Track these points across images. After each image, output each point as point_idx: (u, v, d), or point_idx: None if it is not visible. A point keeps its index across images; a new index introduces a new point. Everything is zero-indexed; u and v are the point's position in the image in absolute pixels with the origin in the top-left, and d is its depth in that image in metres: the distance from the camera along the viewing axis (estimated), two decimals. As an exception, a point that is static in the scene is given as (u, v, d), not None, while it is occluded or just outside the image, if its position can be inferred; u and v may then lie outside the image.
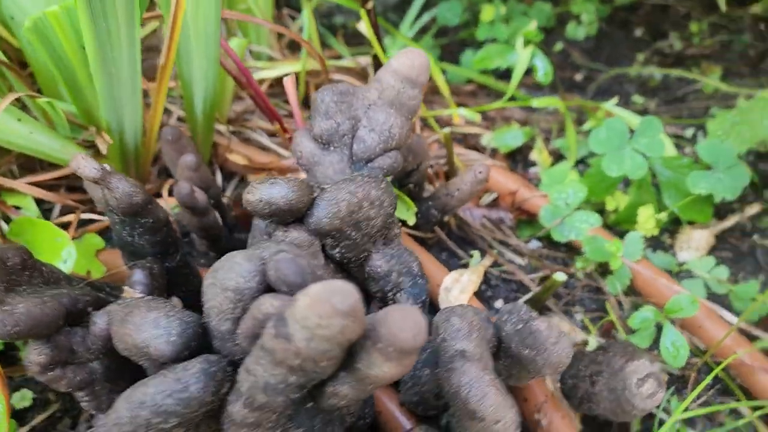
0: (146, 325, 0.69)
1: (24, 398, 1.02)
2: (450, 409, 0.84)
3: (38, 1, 1.04)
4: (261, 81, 1.54)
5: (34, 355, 0.79)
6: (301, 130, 1.05)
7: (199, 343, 0.72)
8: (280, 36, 1.76)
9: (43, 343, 0.79)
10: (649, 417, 1.08)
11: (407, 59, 1.01)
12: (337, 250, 0.87)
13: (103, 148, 1.10)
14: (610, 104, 1.57)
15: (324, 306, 0.55)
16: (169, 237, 0.94)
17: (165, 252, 0.96)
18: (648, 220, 1.36)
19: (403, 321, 0.59)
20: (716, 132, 1.44)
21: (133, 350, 0.70)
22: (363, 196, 0.83)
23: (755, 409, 1.08)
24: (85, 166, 0.82)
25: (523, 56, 1.59)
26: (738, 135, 1.43)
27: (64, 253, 0.98)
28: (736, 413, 1.10)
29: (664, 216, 1.38)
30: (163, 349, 0.69)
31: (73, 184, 1.34)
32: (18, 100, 1.09)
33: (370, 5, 1.48)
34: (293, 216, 0.81)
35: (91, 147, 1.26)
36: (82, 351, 0.82)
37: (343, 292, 0.55)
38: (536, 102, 1.54)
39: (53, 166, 1.23)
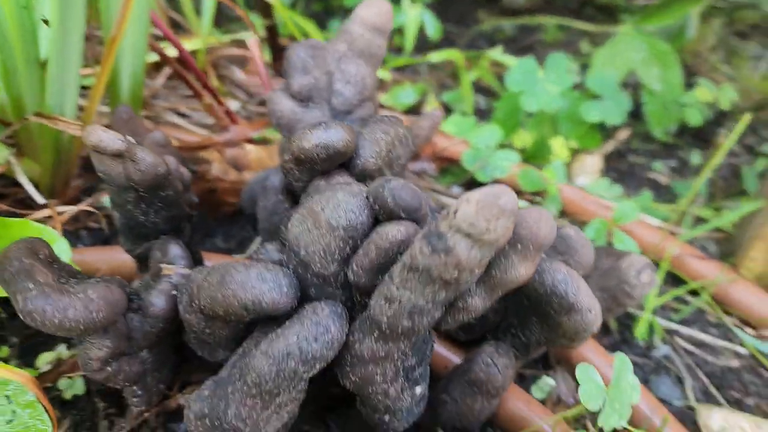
0: (252, 281, 0.67)
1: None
2: (507, 323, 0.89)
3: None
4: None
5: (94, 351, 0.72)
6: (276, 90, 1.03)
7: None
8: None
9: (101, 336, 0.73)
10: (624, 315, 1.21)
11: (374, 8, 1.03)
12: (374, 192, 0.89)
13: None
14: (497, 53, 1.70)
15: (492, 209, 0.57)
16: (182, 211, 0.89)
17: (177, 228, 0.90)
18: (562, 149, 1.51)
19: (539, 219, 0.64)
20: (598, 65, 1.62)
21: (237, 311, 0.67)
22: (395, 134, 0.85)
23: (695, 292, 1.26)
24: (107, 138, 0.75)
25: (412, 14, 1.66)
26: (613, 66, 1.62)
27: (56, 248, 0.88)
28: (684, 301, 1.26)
29: (573, 144, 1.53)
30: (279, 301, 0.67)
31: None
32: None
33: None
34: (343, 160, 0.80)
35: (14, 145, 1.13)
36: (138, 338, 0.76)
37: (506, 192, 0.58)
38: (435, 56, 1.63)
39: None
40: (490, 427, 0.99)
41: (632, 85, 1.84)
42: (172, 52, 1.37)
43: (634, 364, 1.12)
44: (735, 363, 1.15)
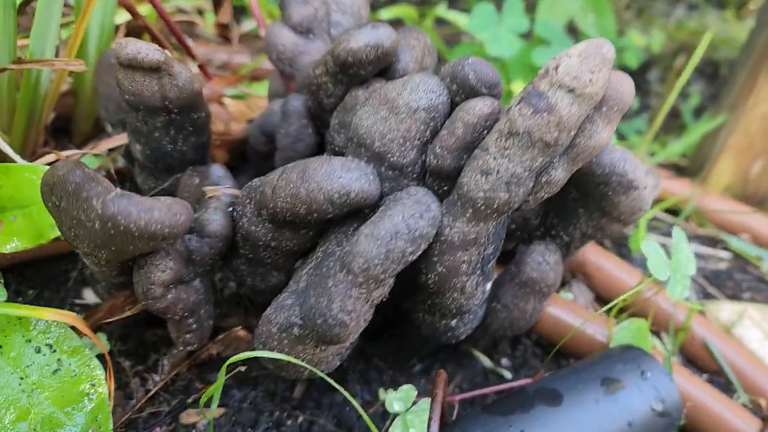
0: (338, 171, 0.64)
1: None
2: (549, 224, 0.91)
3: None
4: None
5: (157, 275, 0.67)
6: (274, 24, 1.00)
7: (374, 188, 0.68)
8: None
9: (163, 257, 0.67)
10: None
11: (364, -63, 1.03)
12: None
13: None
14: (442, 8, 1.72)
15: (596, 59, 0.58)
16: (209, 139, 0.84)
17: (203, 159, 0.85)
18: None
19: (623, 80, 0.65)
20: (542, 13, 1.68)
21: (322, 206, 0.64)
22: (424, 42, 0.84)
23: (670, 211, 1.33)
24: (146, 49, 0.70)
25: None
26: (554, 14, 1.69)
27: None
28: (659, 219, 1.33)
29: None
30: (368, 190, 0.64)
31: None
32: None
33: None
34: (387, 63, 0.79)
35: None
36: (197, 260, 0.71)
37: (606, 43, 0.59)
38: (385, 13, 1.63)
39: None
40: (527, 336, 1.00)
41: (576, 32, 1.92)
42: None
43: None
44: (723, 265, 1.22)
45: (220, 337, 0.91)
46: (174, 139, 0.80)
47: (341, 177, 0.64)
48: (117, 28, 1.36)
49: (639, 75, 1.91)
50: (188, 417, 0.84)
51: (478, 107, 0.65)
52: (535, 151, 0.62)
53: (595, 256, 1.07)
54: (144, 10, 1.36)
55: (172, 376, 0.88)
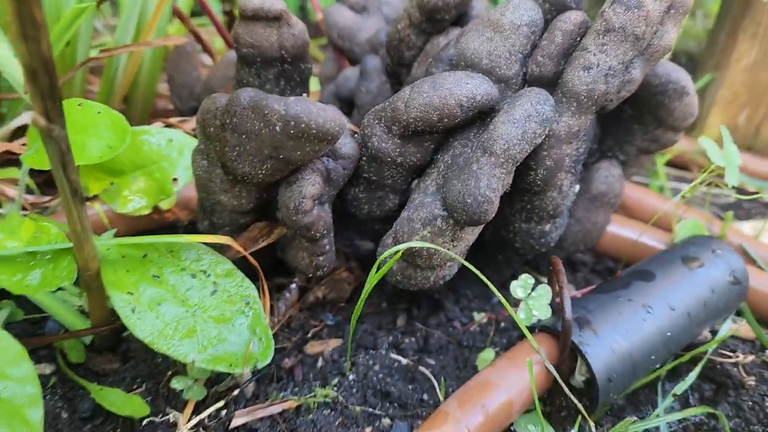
0: (464, 79, 0.74)
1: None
2: (604, 143, 1.03)
3: None
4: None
5: (309, 187, 0.76)
6: (334, 5, 1.12)
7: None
8: None
9: (312, 172, 0.76)
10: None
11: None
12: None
13: None
14: None
15: (673, -40, 0.72)
16: (308, 91, 0.94)
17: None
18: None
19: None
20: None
21: (453, 109, 0.74)
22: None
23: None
24: (269, 1, 0.80)
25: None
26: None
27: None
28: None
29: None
30: (491, 91, 0.75)
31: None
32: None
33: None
34: (465, 8, 0.90)
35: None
36: (334, 179, 0.80)
37: (679, -52, 0.72)
38: None
39: None
40: (583, 265, 1.11)
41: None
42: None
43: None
44: (731, 199, 1.37)
45: (325, 280, 0.98)
46: (283, 90, 0.89)
47: (468, 83, 0.74)
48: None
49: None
50: (312, 347, 0.91)
51: (573, 17, 0.77)
52: (627, 45, 0.74)
53: (630, 191, 1.20)
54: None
55: (286, 318, 0.95)
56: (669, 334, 0.80)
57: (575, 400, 0.75)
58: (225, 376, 0.83)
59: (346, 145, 0.81)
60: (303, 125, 0.67)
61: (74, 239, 0.70)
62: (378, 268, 0.77)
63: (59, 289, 0.79)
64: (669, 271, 0.86)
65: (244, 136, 0.71)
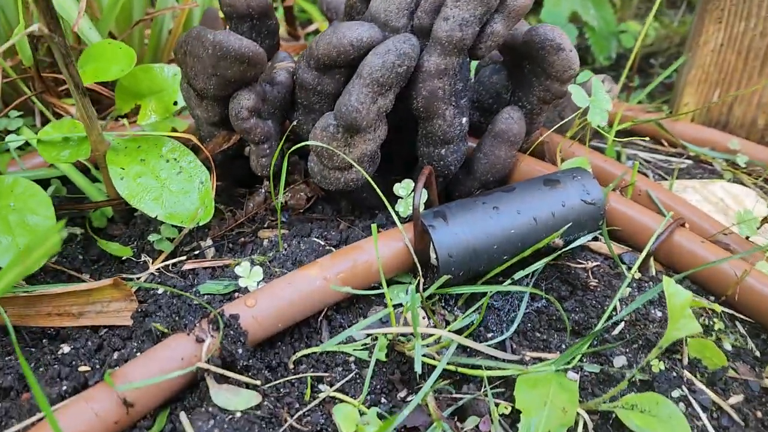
0: (355, 26, 1.02)
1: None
2: (511, 100, 1.25)
3: None
4: None
5: (244, 101, 1.06)
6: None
7: (380, 44, 1.05)
8: None
9: (248, 91, 1.06)
10: (598, 150, 1.58)
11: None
12: None
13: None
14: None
15: (507, -64, 0.95)
16: (278, 44, 1.24)
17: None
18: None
19: (534, -41, 1.02)
20: (548, 6, 2.06)
21: (346, 48, 1.01)
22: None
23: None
24: (237, -29, 1.12)
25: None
26: (559, 7, 2.07)
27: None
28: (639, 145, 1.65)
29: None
30: (375, 36, 1.02)
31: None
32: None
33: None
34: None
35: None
36: (270, 100, 1.10)
37: (514, -72, 0.96)
38: None
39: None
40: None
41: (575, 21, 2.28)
42: None
43: (610, 168, 1.48)
44: (683, 166, 1.52)
45: (287, 189, 1.28)
46: (255, 40, 1.20)
47: (357, 29, 1.02)
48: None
49: (644, 60, 2.25)
50: (263, 233, 1.21)
51: (442, -19, 1.02)
52: (475, 2, 0.99)
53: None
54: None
55: (253, 213, 1.25)
56: (513, 231, 1.03)
57: (418, 264, 1.00)
58: (192, 240, 1.16)
59: (280, 74, 1.11)
60: (224, 49, 0.98)
61: (84, 123, 1.05)
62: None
63: (88, 171, 1.16)
64: (529, 187, 1.09)
65: (195, 59, 1.03)
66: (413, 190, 1.09)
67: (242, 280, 0.99)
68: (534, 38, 1.13)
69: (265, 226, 1.24)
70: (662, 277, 0.95)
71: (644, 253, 1.08)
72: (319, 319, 1.01)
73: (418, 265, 1.02)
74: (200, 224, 1.08)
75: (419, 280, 1.04)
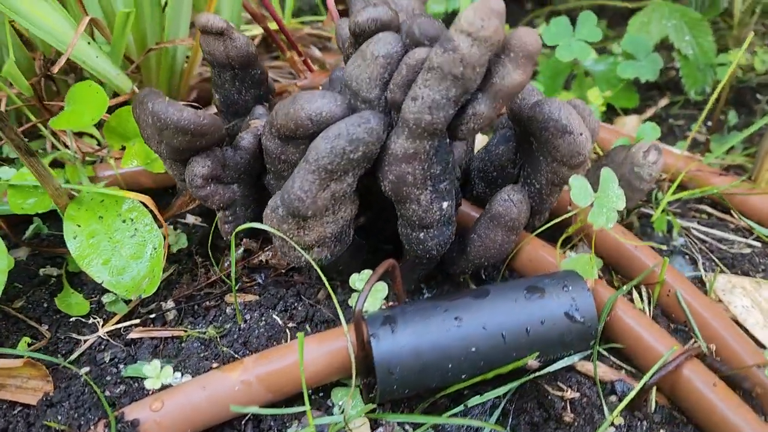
0: (315, 98, 0.90)
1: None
2: (520, 177, 1.08)
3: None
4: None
5: (198, 168, 0.97)
6: (343, 20, 1.28)
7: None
8: None
9: (204, 157, 0.97)
10: (645, 216, 1.37)
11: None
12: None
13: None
14: (542, 27, 1.91)
15: (484, 9, 0.79)
16: (267, 93, 1.14)
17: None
18: (596, 97, 1.70)
19: (526, 32, 0.84)
20: (633, 30, 1.81)
21: (304, 122, 0.89)
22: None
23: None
24: (213, 18, 1.02)
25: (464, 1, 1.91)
26: (647, 31, 1.81)
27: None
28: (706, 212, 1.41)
29: (606, 95, 1.72)
30: (335, 110, 0.89)
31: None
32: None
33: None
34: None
35: (137, 74, 1.42)
36: (231, 166, 1.00)
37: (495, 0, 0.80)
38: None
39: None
40: (511, 276, 1.17)
41: (666, 49, 2.01)
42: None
43: (652, 249, 1.27)
44: (747, 250, 1.28)
45: (269, 247, 1.19)
46: (239, 90, 1.10)
47: (316, 101, 0.89)
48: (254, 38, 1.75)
49: (750, 94, 1.95)
50: (231, 297, 1.13)
51: (418, 53, 0.87)
52: (447, 83, 0.83)
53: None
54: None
55: (226, 272, 1.17)
56: (473, 349, 0.88)
57: (355, 380, 0.88)
58: (155, 298, 1.10)
59: (244, 140, 1.01)
60: (161, 120, 0.89)
61: (39, 181, 1.00)
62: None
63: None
64: (504, 295, 0.93)
65: (144, 123, 0.95)
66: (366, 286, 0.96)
67: (149, 381, 0.91)
68: (537, 116, 0.96)
69: (238, 288, 1.15)
70: (660, 416, 0.78)
71: (637, 388, 0.90)
72: (243, 422, 0.92)
73: (356, 375, 0.89)
74: (143, 296, 1.00)
75: (359, 389, 0.92)
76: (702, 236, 1.31)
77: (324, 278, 0.92)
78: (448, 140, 0.95)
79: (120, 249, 1.02)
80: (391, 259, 0.95)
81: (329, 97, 0.90)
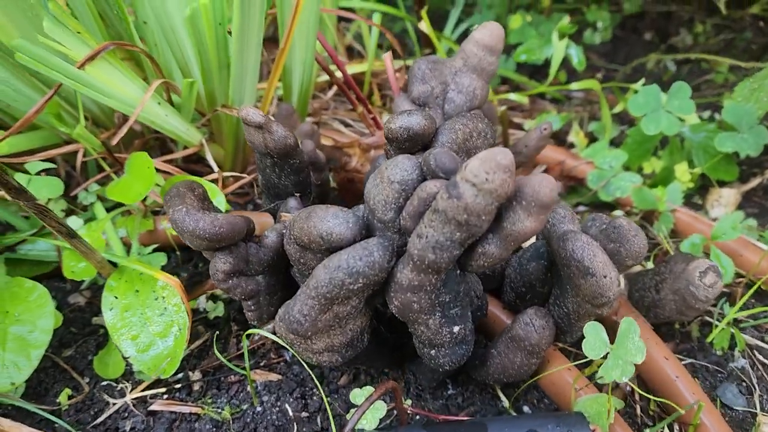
0: (328, 217, 0.89)
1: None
2: (551, 296, 1.03)
3: (179, 3, 1.26)
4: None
5: (220, 264, 0.99)
6: (400, 95, 1.26)
7: (364, 234, 0.91)
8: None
9: (227, 254, 0.99)
10: (707, 325, 1.27)
11: (487, 30, 1.23)
12: (452, 174, 1.07)
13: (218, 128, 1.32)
14: (638, 85, 1.79)
15: (491, 162, 0.75)
16: (307, 178, 1.15)
17: (303, 191, 1.16)
18: (684, 174, 1.57)
19: (542, 181, 0.80)
20: (737, 98, 1.66)
21: (316, 240, 0.90)
22: (473, 127, 1.04)
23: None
24: (253, 113, 1.03)
25: (559, 46, 1.82)
26: (756, 100, 1.64)
27: (216, 201, 1.18)
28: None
29: (697, 171, 1.59)
30: (344, 233, 0.89)
31: (185, 167, 1.56)
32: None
33: (425, 8, 1.72)
34: (423, 141, 1.01)
35: (207, 130, 1.47)
36: (254, 262, 1.02)
37: (503, 152, 0.75)
38: (575, 85, 1.77)
39: (167, 150, 1.45)
40: (535, 389, 1.12)
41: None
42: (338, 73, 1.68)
43: (705, 370, 1.18)
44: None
45: (299, 325, 1.21)
46: (279, 175, 1.12)
47: (329, 221, 0.89)
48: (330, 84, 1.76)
49: None
50: (256, 374, 1.16)
51: (429, 187, 0.85)
52: (451, 227, 0.80)
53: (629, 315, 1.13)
54: (360, 67, 1.72)
55: (257, 344, 1.20)
56: (461, 491, 0.86)
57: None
58: (181, 368, 1.15)
59: (268, 239, 1.02)
60: (179, 228, 0.91)
61: (83, 257, 1.07)
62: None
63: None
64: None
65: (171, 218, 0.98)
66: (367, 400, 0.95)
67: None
68: (560, 252, 0.91)
69: (262, 363, 1.18)
70: None
71: None
72: None
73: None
74: (163, 377, 1.05)
75: None
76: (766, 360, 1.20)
77: (318, 386, 0.93)
78: (458, 271, 0.92)
79: (149, 325, 1.07)
80: (391, 382, 0.94)
81: (342, 217, 0.89)
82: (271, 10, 1.40)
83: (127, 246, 1.28)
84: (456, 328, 0.95)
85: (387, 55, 1.35)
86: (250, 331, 0.98)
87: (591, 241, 0.89)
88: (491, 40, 1.22)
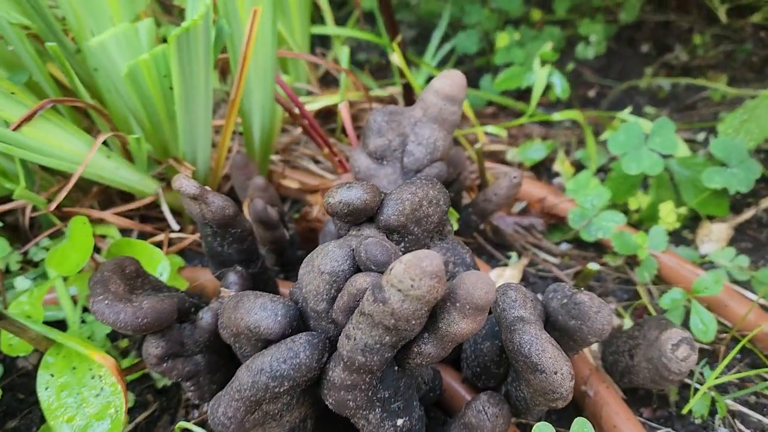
0: (256, 308, 0.83)
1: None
2: (509, 375, 0.96)
3: (125, 53, 1.19)
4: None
5: (151, 348, 0.93)
6: (356, 148, 1.20)
7: (298, 324, 0.85)
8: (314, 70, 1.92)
9: (158, 337, 0.93)
10: (686, 387, 1.19)
11: (447, 79, 1.16)
12: (402, 244, 1.00)
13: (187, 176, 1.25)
14: (625, 114, 1.70)
15: (415, 269, 0.68)
16: (252, 246, 1.09)
17: (249, 260, 1.10)
18: (669, 214, 1.49)
19: (476, 282, 0.73)
20: (727, 130, 1.57)
21: (244, 332, 0.83)
22: (423, 195, 0.97)
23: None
24: (186, 184, 0.97)
25: (541, 75, 1.73)
26: (747, 132, 1.55)
27: (160, 267, 1.13)
28: (764, 380, 1.20)
29: (683, 210, 1.51)
30: (272, 327, 0.82)
31: (145, 213, 1.50)
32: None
33: (399, 39, 1.64)
34: (366, 215, 0.94)
35: (163, 179, 1.41)
36: (190, 344, 0.96)
37: (429, 257, 0.68)
38: (557, 115, 1.69)
39: (127, 197, 1.39)
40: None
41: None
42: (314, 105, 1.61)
43: (681, 441, 1.10)
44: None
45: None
46: (221, 244, 1.06)
47: (256, 314, 0.83)
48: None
49: None
50: (202, 452, 1.10)
51: (358, 282, 0.78)
52: (380, 330, 0.74)
53: (599, 385, 1.06)
54: (333, 99, 1.65)
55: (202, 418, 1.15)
56: None
57: None
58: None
59: (203, 320, 0.96)
60: (100, 319, 0.85)
61: (15, 334, 1.02)
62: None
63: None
64: None
65: (98, 303, 0.92)
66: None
67: None
68: (508, 344, 0.83)
69: (212, 439, 1.12)
70: None
71: None
72: None
73: None
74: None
75: None
76: (748, 430, 1.12)
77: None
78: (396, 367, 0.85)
79: (85, 407, 1.02)
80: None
81: (270, 309, 0.83)
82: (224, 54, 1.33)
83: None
84: (400, 421, 0.88)
85: (343, 105, 1.28)
86: (180, 424, 0.92)
87: (540, 334, 0.82)
88: (452, 90, 1.15)
